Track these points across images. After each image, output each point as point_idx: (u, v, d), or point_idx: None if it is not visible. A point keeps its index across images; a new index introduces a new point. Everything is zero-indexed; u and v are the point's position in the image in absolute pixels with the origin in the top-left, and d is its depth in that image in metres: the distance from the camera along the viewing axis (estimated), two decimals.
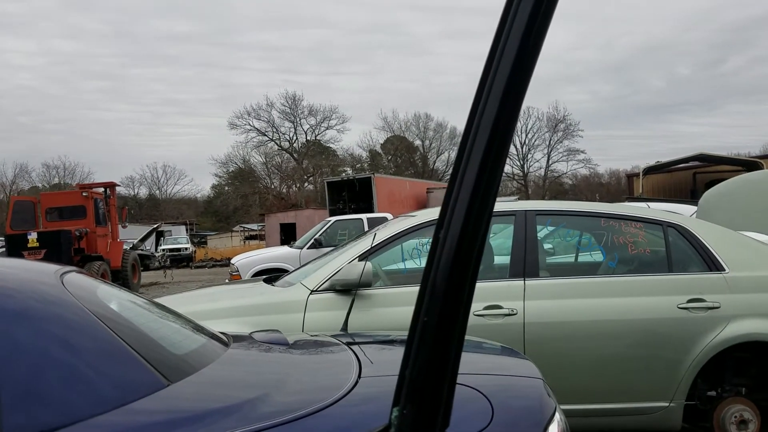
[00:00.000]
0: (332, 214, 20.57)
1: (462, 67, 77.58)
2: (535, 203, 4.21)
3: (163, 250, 31.62)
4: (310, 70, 79.19)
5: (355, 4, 77.89)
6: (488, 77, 0.66)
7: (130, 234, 24.11)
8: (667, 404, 3.61)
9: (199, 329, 2.00)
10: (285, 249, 13.18)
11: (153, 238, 27.61)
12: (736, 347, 3.61)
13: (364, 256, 3.88)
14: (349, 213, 19.64)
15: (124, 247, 19.11)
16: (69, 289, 1.61)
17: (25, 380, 1.35)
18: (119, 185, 22.87)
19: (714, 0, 73.76)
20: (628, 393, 3.62)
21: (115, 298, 1.83)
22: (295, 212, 31.71)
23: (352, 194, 23.77)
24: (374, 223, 13.00)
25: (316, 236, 12.92)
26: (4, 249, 19.15)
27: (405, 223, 4.10)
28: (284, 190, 58.40)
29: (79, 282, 1.75)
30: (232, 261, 12.49)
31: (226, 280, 12.02)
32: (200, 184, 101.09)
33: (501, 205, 4.46)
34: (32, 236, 15.96)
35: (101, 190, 18.80)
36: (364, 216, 14.08)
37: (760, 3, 68.48)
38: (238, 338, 2.09)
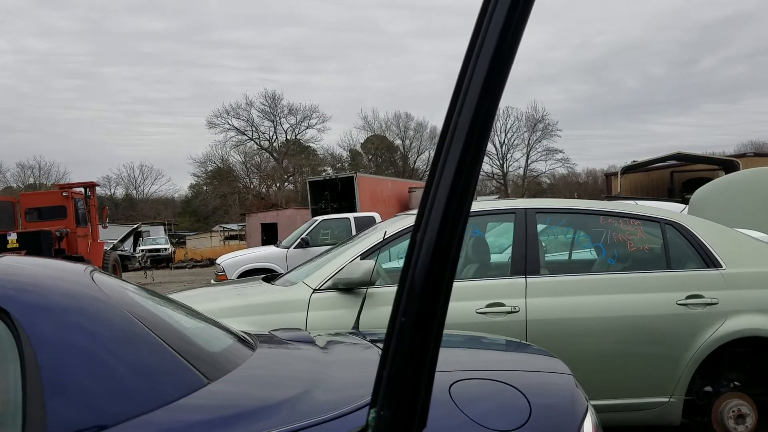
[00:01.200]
0: (315, 213, 20.49)
1: (439, 66, 77.93)
2: (535, 201, 4.26)
3: (143, 250, 31.25)
4: (287, 69, 78.84)
5: (330, 2, 77.75)
6: (465, 76, 0.66)
7: (109, 234, 23.77)
8: (667, 399, 3.67)
9: (225, 328, 1.98)
10: (271, 249, 13.10)
11: (131, 238, 27.27)
12: (733, 342, 3.69)
13: (365, 255, 3.89)
14: (332, 212, 19.56)
15: (105, 247, 18.83)
16: (103, 288, 1.59)
17: (72, 380, 1.34)
18: (99, 185, 22.52)
19: (686, 0, 75.08)
20: (629, 389, 3.68)
21: (141, 297, 1.81)
22: (276, 212, 31.51)
23: (334, 194, 23.67)
24: (361, 223, 12.98)
25: (303, 236, 12.85)
26: None
27: (406, 221, 4.11)
28: (264, 190, 58.01)
29: (108, 281, 1.73)
30: (218, 261, 12.38)
31: (212, 281, 11.91)
32: (178, 183, 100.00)
33: (501, 203, 4.50)
34: (12, 237, 15.65)
35: (81, 190, 18.51)
36: (350, 215, 14.04)
37: (730, 4, 69.97)
38: (262, 337, 2.08)
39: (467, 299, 3.66)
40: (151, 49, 79.59)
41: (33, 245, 15.41)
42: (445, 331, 2.16)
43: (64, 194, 17.43)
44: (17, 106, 79.29)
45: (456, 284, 3.77)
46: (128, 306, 1.58)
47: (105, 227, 19.90)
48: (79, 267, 1.74)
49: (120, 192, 63.43)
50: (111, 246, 21.38)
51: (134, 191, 64.23)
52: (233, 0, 76.79)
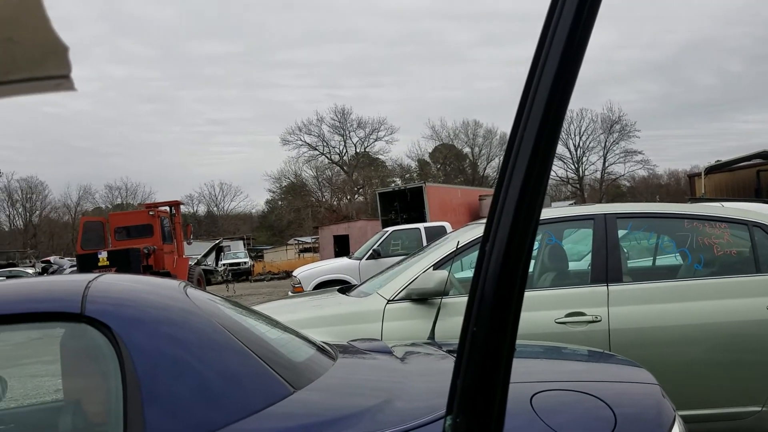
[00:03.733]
0: (385, 224, 20.65)
1: (500, 73, 77.16)
2: (614, 206, 4.14)
3: (224, 264, 32.45)
4: (349, 84, 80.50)
5: (385, 17, 78.79)
6: (533, 79, 0.66)
7: (193, 250, 24.83)
8: (759, 409, 3.49)
9: (306, 338, 2.05)
10: (344, 260, 13.31)
11: (214, 253, 28.39)
12: None
13: (438, 265, 3.89)
14: (402, 223, 19.65)
15: (189, 263, 19.65)
16: (195, 302, 1.69)
17: (168, 390, 1.43)
18: (183, 204, 23.58)
19: None
20: (719, 398, 3.52)
21: (230, 309, 1.90)
22: (347, 224, 32.01)
23: (403, 204, 23.80)
24: (431, 233, 12.99)
25: (375, 247, 13.00)
26: (75, 268, 20.03)
27: (478, 230, 4.09)
28: (335, 203, 59.08)
29: (200, 295, 1.84)
30: (294, 273, 12.70)
31: (289, 293, 12.22)
32: (255, 199, 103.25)
33: (578, 209, 4.40)
34: (102, 255, 16.56)
35: (167, 208, 19.43)
36: (421, 225, 14.08)
37: None
38: (341, 347, 2.14)
39: (545, 309, 3.60)
40: (219, 71, 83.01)
41: (122, 263, 16.23)
42: (525, 342, 2.16)
43: (150, 213, 18.35)
44: (102, 131, 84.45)
45: (533, 293, 3.72)
46: (219, 318, 1.67)
47: (189, 243, 20.77)
48: (174, 282, 1.86)
49: (202, 209, 66.37)
50: (195, 261, 22.29)
51: (215, 208, 66.98)
52: (292, 21, 79.34)
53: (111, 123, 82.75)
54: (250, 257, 38.51)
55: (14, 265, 39.38)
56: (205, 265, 25.34)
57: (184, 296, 1.71)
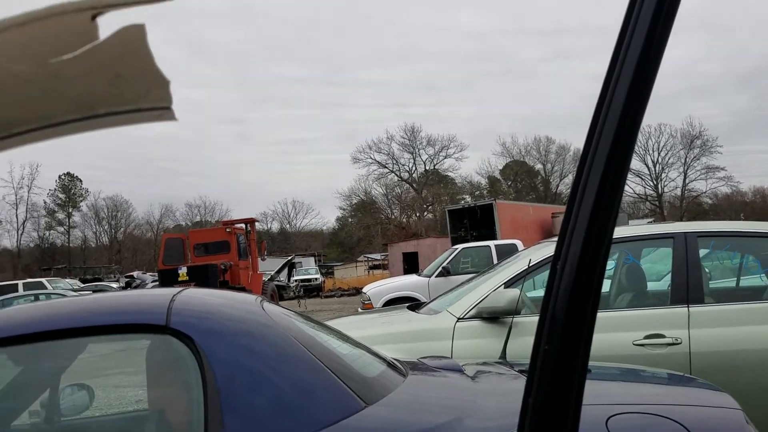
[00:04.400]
0: (454, 242, 20.50)
1: (572, 88, 75.54)
2: (695, 224, 3.98)
3: (296, 280, 33.08)
4: (418, 102, 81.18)
5: (452, 35, 79.03)
6: (608, 91, 0.65)
7: (267, 266, 25.47)
8: None
9: (377, 354, 2.08)
10: (414, 278, 13.31)
11: (286, 269, 29.02)
12: None
13: (509, 283, 3.84)
14: (472, 240, 19.44)
15: (263, 278, 20.17)
16: (272, 317, 1.75)
17: (247, 401, 1.49)
18: (258, 221, 24.29)
19: None
20: None
21: (303, 324, 1.95)
22: (416, 241, 31.99)
23: (473, 221, 23.58)
24: (502, 251, 12.79)
25: (444, 264, 12.93)
26: (157, 283, 20.96)
27: (551, 248, 4.02)
28: (405, 220, 59.27)
29: (275, 310, 1.90)
30: (364, 290, 12.81)
31: (359, 309, 12.32)
32: (326, 216, 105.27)
33: (657, 227, 4.25)
34: (182, 270, 17.25)
35: (242, 225, 20.08)
36: (491, 243, 13.90)
37: None
38: (411, 364, 2.15)
39: (622, 330, 3.49)
40: (291, 93, 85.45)
41: (201, 278, 16.85)
42: (602, 364, 2.10)
43: (227, 230, 19.01)
44: (182, 153, 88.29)
45: (610, 314, 3.62)
46: (294, 332, 1.72)
47: (263, 260, 21.33)
48: (251, 297, 1.93)
49: (275, 226, 68.09)
50: (269, 277, 22.86)
51: (288, 225, 68.58)
52: (364, 42, 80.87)
53: (190, 144, 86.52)
54: (321, 273, 39.12)
55: (100, 280, 41.67)
56: (277, 280, 25.96)
57: (261, 310, 1.78)
